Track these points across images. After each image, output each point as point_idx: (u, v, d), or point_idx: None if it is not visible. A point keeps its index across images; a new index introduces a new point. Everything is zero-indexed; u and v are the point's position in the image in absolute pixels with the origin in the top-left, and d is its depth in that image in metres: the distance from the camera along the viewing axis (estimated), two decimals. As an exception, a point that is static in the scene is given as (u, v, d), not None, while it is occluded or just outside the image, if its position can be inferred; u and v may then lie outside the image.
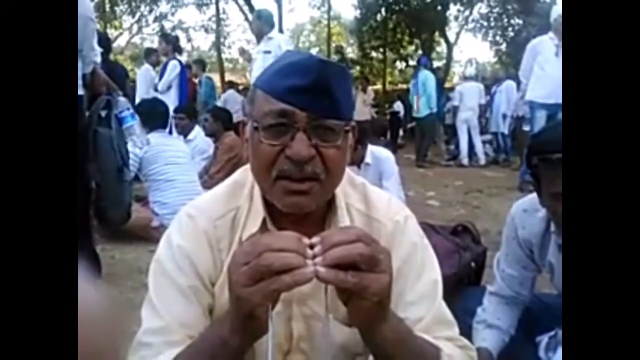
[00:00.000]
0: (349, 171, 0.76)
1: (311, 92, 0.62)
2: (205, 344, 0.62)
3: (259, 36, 4.10)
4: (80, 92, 2.06)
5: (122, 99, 2.35)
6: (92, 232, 2.18)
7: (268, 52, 3.85)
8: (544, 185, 0.96)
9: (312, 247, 0.52)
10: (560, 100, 3.53)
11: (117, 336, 0.33)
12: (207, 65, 8.03)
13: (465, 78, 7.51)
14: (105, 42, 4.48)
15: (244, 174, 0.77)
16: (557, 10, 3.79)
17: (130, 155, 2.46)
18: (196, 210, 0.75)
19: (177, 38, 5.62)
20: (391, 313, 0.60)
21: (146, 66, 5.27)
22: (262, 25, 4.06)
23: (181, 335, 0.67)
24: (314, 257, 0.51)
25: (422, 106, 6.41)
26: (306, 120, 0.63)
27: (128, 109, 2.36)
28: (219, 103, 6.54)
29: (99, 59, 2.16)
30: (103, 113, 2.27)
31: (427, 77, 6.47)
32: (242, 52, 4.85)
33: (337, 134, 0.65)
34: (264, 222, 0.71)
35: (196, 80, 6.66)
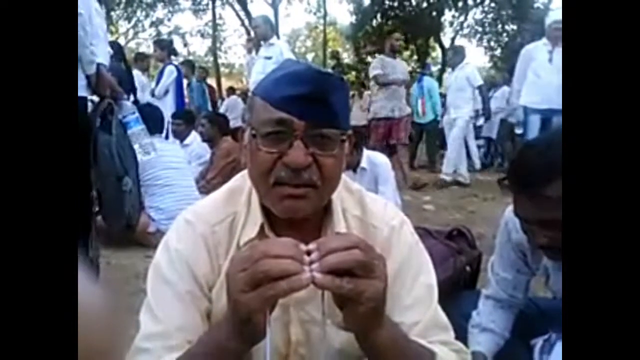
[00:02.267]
0: (345, 177, 0.77)
1: (309, 101, 0.63)
2: (204, 349, 0.63)
3: (261, 41, 4.12)
4: (85, 93, 2.02)
5: (127, 102, 2.31)
6: (91, 240, 2.14)
7: (269, 58, 3.86)
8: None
9: (309, 253, 0.53)
10: (553, 106, 3.57)
11: (118, 338, 0.34)
12: (204, 70, 7.98)
13: None
14: (117, 48, 4.48)
15: (242, 179, 0.78)
16: (552, 17, 3.84)
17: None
18: (194, 215, 0.76)
19: (171, 42, 5.60)
20: (386, 318, 0.61)
21: (135, 72, 5.24)
22: (267, 30, 4.09)
23: (179, 340, 0.67)
24: (311, 263, 0.52)
25: (428, 111, 6.51)
26: (304, 128, 0.64)
27: (133, 113, 2.30)
28: (221, 109, 6.51)
29: (102, 60, 2.10)
30: (105, 117, 2.22)
31: (432, 84, 6.65)
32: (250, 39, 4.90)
33: (334, 142, 0.66)
34: (261, 227, 0.72)
35: (185, 83, 6.51)
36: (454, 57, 5.57)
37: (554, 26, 3.67)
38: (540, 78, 3.72)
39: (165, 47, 4.98)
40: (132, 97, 4.29)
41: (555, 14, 3.90)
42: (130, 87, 4.31)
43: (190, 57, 17.63)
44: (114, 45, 4.62)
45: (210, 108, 6.54)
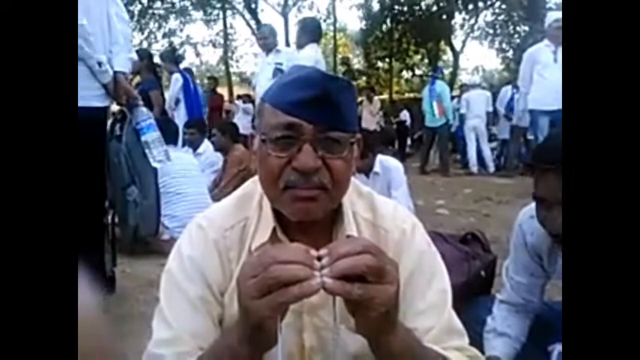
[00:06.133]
0: (355, 180, 0.77)
1: (317, 105, 0.64)
2: (215, 355, 0.63)
3: (269, 50, 4.16)
4: (102, 103, 2.00)
5: (143, 109, 2.24)
6: (104, 248, 2.14)
7: (280, 64, 3.89)
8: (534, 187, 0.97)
9: (319, 258, 0.53)
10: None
11: (114, 345, 0.34)
12: (215, 80, 8.07)
13: (469, 86, 7.54)
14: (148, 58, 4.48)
15: (253, 185, 0.78)
16: (551, 17, 3.80)
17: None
18: (206, 221, 0.76)
19: (173, 50, 5.52)
20: (399, 324, 0.61)
21: None
22: (273, 40, 4.15)
23: (192, 346, 0.68)
24: (322, 268, 0.52)
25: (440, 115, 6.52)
26: (312, 132, 0.64)
27: (149, 118, 2.23)
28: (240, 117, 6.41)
29: (120, 67, 2.06)
30: (117, 125, 2.19)
31: (444, 88, 6.65)
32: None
33: (343, 145, 0.66)
34: (273, 231, 0.73)
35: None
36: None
37: (554, 25, 3.64)
38: (547, 79, 3.67)
39: (166, 58, 4.87)
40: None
41: (554, 14, 3.87)
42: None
43: (202, 67, 17.81)
44: (149, 57, 4.61)
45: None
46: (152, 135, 2.22)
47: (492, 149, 7.12)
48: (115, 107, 2.24)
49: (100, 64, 1.94)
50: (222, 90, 10.16)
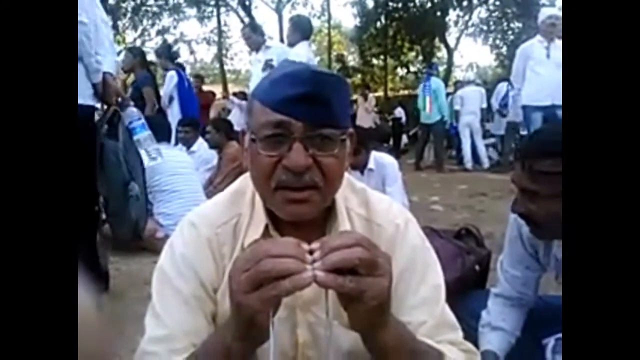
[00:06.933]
0: (349, 176, 0.77)
1: (307, 102, 0.63)
2: (209, 351, 0.63)
3: (257, 48, 4.13)
4: (90, 102, 2.03)
5: (133, 109, 2.30)
6: (99, 247, 2.14)
7: (270, 60, 3.87)
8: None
9: (311, 252, 0.53)
10: (555, 102, 3.54)
11: (110, 344, 0.34)
12: (210, 77, 7.98)
13: (463, 83, 7.56)
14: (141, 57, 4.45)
15: (245, 181, 0.78)
16: (544, 13, 3.84)
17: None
18: (198, 218, 0.76)
19: (169, 47, 5.47)
20: (392, 318, 0.60)
21: None
22: (258, 37, 4.12)
23: (185, 343, 0.67)
24: (313, 262, 0.52)
25: (434, 112, 6.52)
26: (302, 130, 0.64)
27: (139, 119, 2.30)
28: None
29: (108, 68, 2.10)
30: (106, 124, 2.23)
31: (439, 85, 6.65)
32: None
33: (334, 142, 0.66)
34: (266, 228, 0.72)
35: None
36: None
37: (547, 22, 3.68)
38: (540, 75, 3.71)
39: (162, 55, 4.78)
40: (156, 106, 4.31)
41: (547, 10, 3.92)
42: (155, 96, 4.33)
43: (197, 65, 17.71)
44: (142, 55, 4.57)
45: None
46: (143, 135, 2.29)
47: (493, 145, 7.15)
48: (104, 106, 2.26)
49: (97, 62, 1.96)
50: (217, 88, 10.10)
